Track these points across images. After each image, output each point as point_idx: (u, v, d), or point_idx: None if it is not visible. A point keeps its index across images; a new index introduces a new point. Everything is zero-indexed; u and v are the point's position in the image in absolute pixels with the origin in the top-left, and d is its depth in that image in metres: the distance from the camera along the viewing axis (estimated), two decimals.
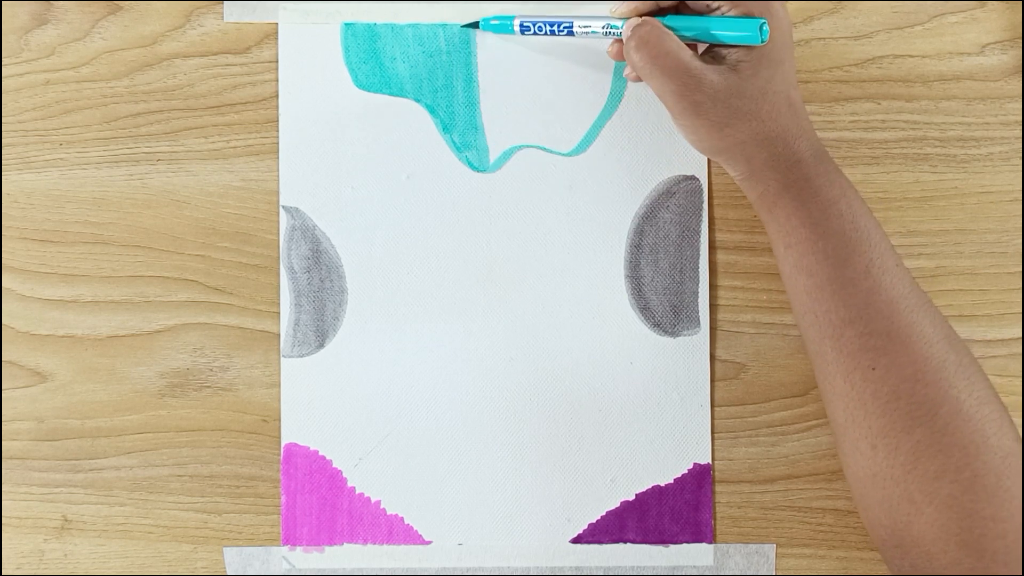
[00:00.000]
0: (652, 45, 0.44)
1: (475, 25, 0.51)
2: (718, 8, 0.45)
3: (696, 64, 0.44)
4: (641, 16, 0.46)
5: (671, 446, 0.51)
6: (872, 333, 0.43)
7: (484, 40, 0.51)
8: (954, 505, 0.40)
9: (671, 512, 0.51)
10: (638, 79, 0.47)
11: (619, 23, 0.47)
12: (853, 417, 0.43)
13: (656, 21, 0.45)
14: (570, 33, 0.48)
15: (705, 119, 0.44)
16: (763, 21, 0.43)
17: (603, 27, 0.47)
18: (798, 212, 0.44)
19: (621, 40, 0.47)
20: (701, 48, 0.46)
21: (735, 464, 0.52)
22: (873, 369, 0.42)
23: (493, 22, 0.50)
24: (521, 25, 0.49)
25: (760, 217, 0.46)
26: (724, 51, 0.45)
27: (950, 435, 0.41)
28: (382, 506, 0.51)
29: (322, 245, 0.51)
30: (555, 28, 0.49)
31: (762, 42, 0.43)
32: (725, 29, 0.44)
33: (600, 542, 0.51)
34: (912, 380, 0.42)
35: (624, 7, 0.46)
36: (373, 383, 0.51)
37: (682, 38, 0.45)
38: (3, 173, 0.52)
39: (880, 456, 0.42)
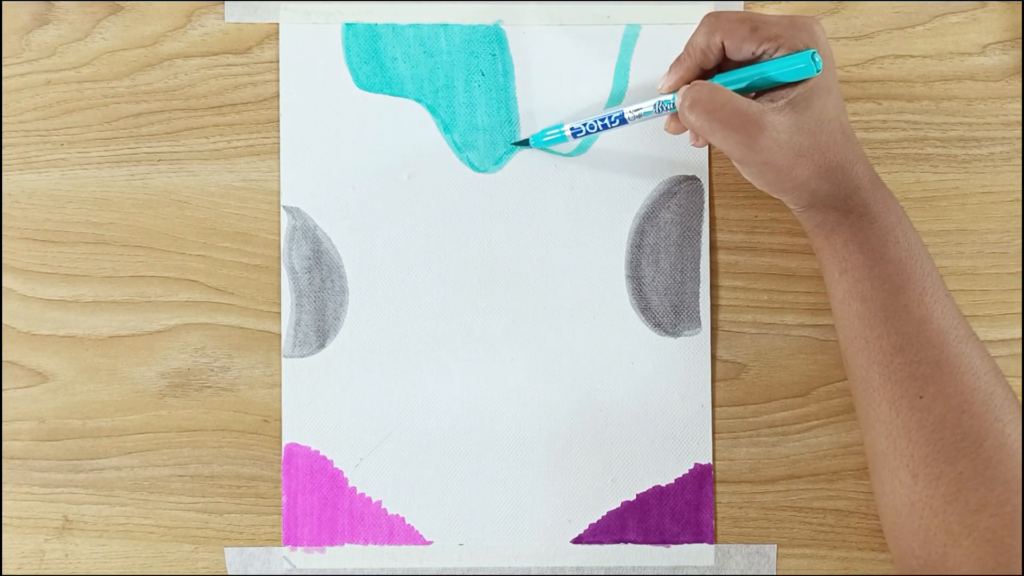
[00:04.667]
0: (706, 101, 0.43)
1: (526, 143, 0.51)
2: (764, 53, 0.44)
3: (755, 107, 0.43)
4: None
5: (672, 446, 0.51)
6: (922, 361, 0.42)
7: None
8: (993, 539, 0.40)
9: (672, 512, 0.51)
10: (704, 144, 0.47)
11: (669, 98, 0.46)
12: (895, 444, 0.43)
13: (705, 81, 0.44)
14: (623, 122, 0.48)
15: (772, 164, 0.43)
16: (813, 51, 0.43)
17: (654, 106, 0.46)
18: (856, 238, 0.44)
19: (675, 113, 0.46)
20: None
21: (736, 464, 0.52)
22: (921, 397, 0.42)
23: (545, 137, 0.50)
24: (572, 129, 0.49)
25: (814, 244, 0.46)
26: (774, 94, 0.44)
27: (994, 468, 0.41)
28: (383, 506, 0.51)
29: (323, 245, 0.51)
30: (607, 122, 0.48)
31: (818, 71, 0.43)
32: (779, 69, 0.43)
33: (601, 542, 0.51)
34: (959, 411, 0.42)
35: (669, 81, 0.46)
36: (374, 383, 0.51)
37: (737, 91, 0.44)
38: (4, 173, 0.52)
39: (920, 485, 0.42)
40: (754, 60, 0.44)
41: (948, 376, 0.42)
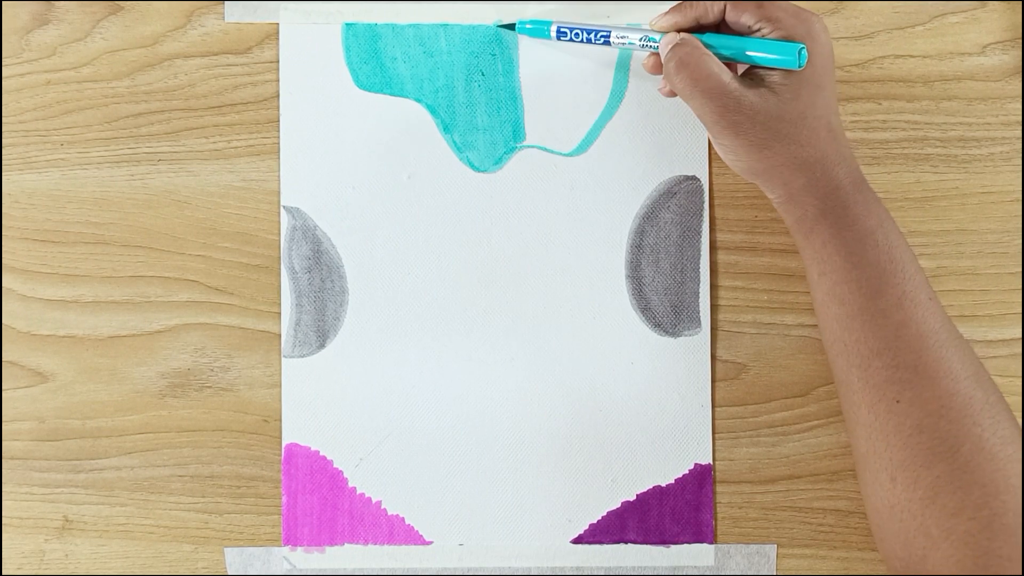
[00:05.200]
0: (692, 67, 0.44)
1: (511, 27, 0.51)
2: (759, 30, 0.44)
3: (735, 86, 0.43)
4: (680, 32, 0.46)
5: (672, 446, 0.51)
6: (899, 366, 0.42)
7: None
8: (970, 542, 0.40)
9: (672, 512, 0.51)
10: (672, 94, 0.47)
11: (656, 36, 0.46)
12: (875, 448, 0.43)
13: (695, 40, 0.45)
14: (607, 42, 0.48)
15: (744, 139, 0.44)
16: (802, 46, 0.43)
17: (640, 39, 0.47)
18: (834, 240, 0.44)
19: (657, 54, 0.47)
20: (741, 69, 0.46)
21: (736, 464, 0.52)
22: (898, 402, 0.42)
23: (528, 26, 0.50)
24: (558, 30, 0.49)
25: (796, 242, 0.46)
26: (765, 73, 0.44)
27: (971, 472, 0.41)
28: (383, 506, 0.51)
29: (323, 245, 0.51)
30: (592, 36, 0.48)
31: (799, 67, 0.43)
32: (763, 51, 0.44)
33: (601, 542, 0.51)
34: (936, 415, 0.42)
35: (664, 21, 0.46)
36: (374, 383, 0.51)
37: (719, 57, 0.44)
38: (4, 173, 0.52)
39: (899, 489, 0.42)
40: (747, 33, 0.45)
41: (926, 381, 0.42)
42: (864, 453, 0.43)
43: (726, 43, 0.45)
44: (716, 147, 0.46)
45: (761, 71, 0.44)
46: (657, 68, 0.47)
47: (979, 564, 0.40)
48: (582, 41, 0.49)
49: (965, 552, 0.40)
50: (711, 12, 0.45)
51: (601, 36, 0.48)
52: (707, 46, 0.45)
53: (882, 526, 0.43)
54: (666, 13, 0.46)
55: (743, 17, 0.44)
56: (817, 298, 0.45)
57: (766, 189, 0.46)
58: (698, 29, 0.46)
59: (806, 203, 0.45)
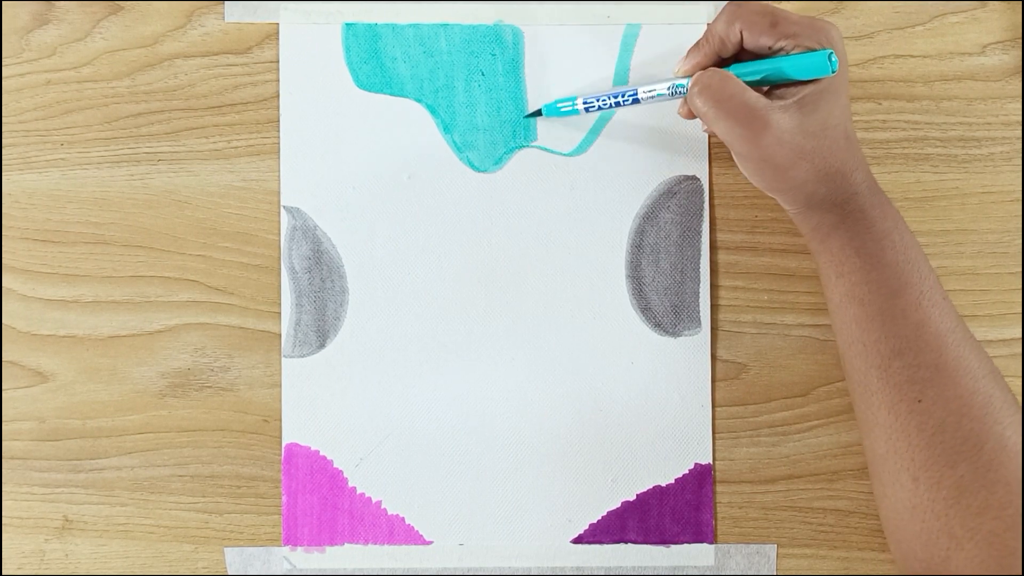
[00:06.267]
0: (715, 89, 0.43)
1: (538, 113, 0.51)
2: (780, 49, 0.43)
3: (762, 102, 0.43)
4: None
5: (672, 446, 0.51)
6: (920, 365, 0.42)
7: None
8: (995, 542, 0.40)
9: (672, 512, 0.51)
10: (690, 116, 0.46)
11: (684, 82, 0.46)
12: (895, 448, 0.43)
13: (719, 69, 0.44)
14: (636, 101, 0.48)
15: (772, 162, 0.43)
16: (831, 51, 0.43)
17: (668, 88, 0.46)
18: (852, 242, 0.44)
19: None
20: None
21: (736, 464, 0.52)
22: (919, 401, 0.42)
23: (560, 106, 0.50)
24: (585, 103, 0.49)
25: (811, 247, 0.46)
26: (784, 91, 0.44)
27: (994, 471, 0.41)
28: (383, 506, 0.51)
29: (323, 245, 0.51)
30: (620, 99, 0.48)
31: (833, 72, 0.43)
32: (795, 65, 0.43)
33: (601, 542, 0.51)
34: (958, 414, 0.42)
35: (686, 65, 0.46)
36: (374, 383, 0.51)
37: (750, 84, 0.44)
38: (4, 173, 0.52)
39: (922, 489, 0.42)
40: (769, 54, 0.44)
41: (947, 380, 0.42)
42: (883, 454, 0.43)
43: (754, 68, 0.44)
44: (741, 168, 0.45)
45: (780, 90, 0.44)
46: (691, 113, 0.46)
47: (1004, 564, 0.40)
48: (611, 106, 0.49)
49: (989, 552, 0.40)
50: (728, 43, 0.44)
51: (629, 96, 0.48)
52: (736, 76, 0.44)
53: (901, 527, 0.43)
54: (686, 57, 0.46)
55: (761, 40, 0.43)
56: (834, 300, 0.45)
57: (785, 202, 0.46)
58: (721, 64, 0.45)
59: (825, 212, 0.44)
